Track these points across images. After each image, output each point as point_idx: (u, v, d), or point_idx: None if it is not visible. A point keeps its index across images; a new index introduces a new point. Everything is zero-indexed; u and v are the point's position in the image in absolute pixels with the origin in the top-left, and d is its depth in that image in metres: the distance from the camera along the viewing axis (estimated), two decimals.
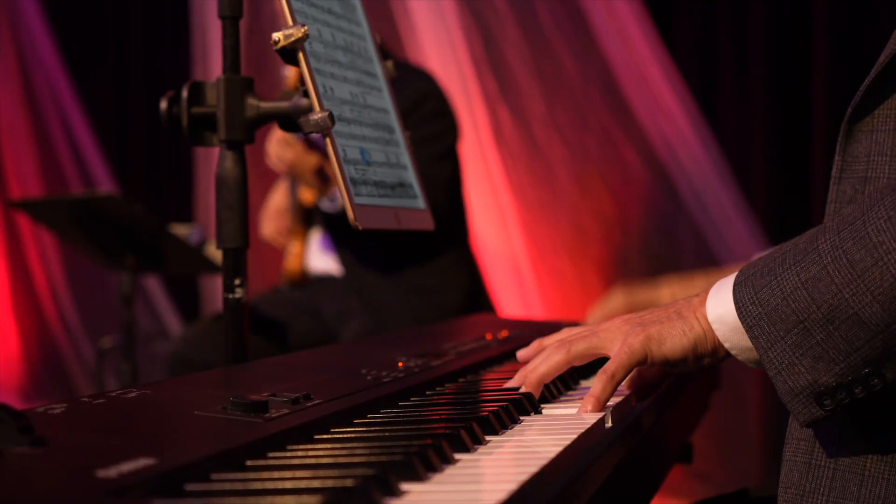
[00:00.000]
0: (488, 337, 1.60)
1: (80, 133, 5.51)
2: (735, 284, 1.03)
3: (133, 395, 0.94)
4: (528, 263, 4.24)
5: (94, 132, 5.51)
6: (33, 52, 5.58)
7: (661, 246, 4.00)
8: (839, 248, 0.96)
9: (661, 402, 1.16)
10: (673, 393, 1.25)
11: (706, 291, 1.09)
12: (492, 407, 1.01)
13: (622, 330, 1.12)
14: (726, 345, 1.06)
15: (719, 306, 1.05)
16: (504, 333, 1.65)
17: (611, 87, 4.04)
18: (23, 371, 5.66)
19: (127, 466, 0.69)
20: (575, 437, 0.91)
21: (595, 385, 1.07)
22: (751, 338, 1.01)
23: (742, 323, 1.01)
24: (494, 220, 4.29)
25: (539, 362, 1.14)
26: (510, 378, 1.16)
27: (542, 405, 1.12)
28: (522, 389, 1.11)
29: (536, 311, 4.10)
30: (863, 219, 0.95)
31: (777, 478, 1.09)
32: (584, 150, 4.15)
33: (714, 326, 1.06)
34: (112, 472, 0.67)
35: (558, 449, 0.85)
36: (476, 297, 3.23)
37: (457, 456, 0.85)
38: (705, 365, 1.10)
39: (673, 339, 1.08)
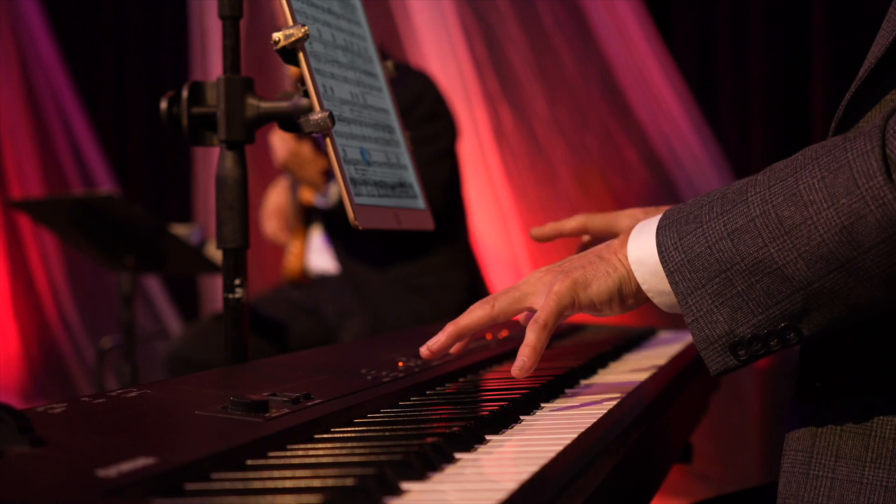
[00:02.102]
0: (488, 337, 1.60)
1: (80, 133, 5.51)
2: (658, 228, 1.03)
3: (133, 394, 0.94)
4: (529, 263, 4.24)
5: (94, 132, 5.52)
6: (33, 52, 5.58)
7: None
8: (769, 202, 0.96)
9: (661, 403, 1.16)
10: (673, 393, 1.25)
11: (627, 233, 1.08)
12: (492, 406, 1.01)
13: (544, 280, 1.10)
14: (644, 286, 1.06)
15: (640, 248, 1.05)
16: (504, 333, 1.65)
17: (611, 87, 4.04)
18: (23, 371, 5.66)
19: (127, 466, 0.69)
20: (575, 436, 0.91)
21: (528, 335, 1.06)
22: (671, 283, 1.01)
23: (663, 268, 1.02)
24: (495, 220, 4.29)
25: (461, 316, 1.13)
26: (511, 378, 1.16)
27: (543, 404, 1.12)
28: (436, 340, 1.12)
29: (524, 279, 4.09)
30: (795, 176, 0.95)
31: (776, 478, 1.09)
32: (585, 149, 4.15)
33: (634, 268, 1.06)
34: (112, 471, 0.67)
35: (558, 448, 0.85)
36: (476, 296, 3.22)
37: (457, 455, 0.85)
38: (629, 307, 1.09)
39: (598, 282, 1.07)
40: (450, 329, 1.13)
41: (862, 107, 1.06)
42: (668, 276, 1.01)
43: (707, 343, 0.99)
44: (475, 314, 1.12)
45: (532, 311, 1.11)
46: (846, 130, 1.06)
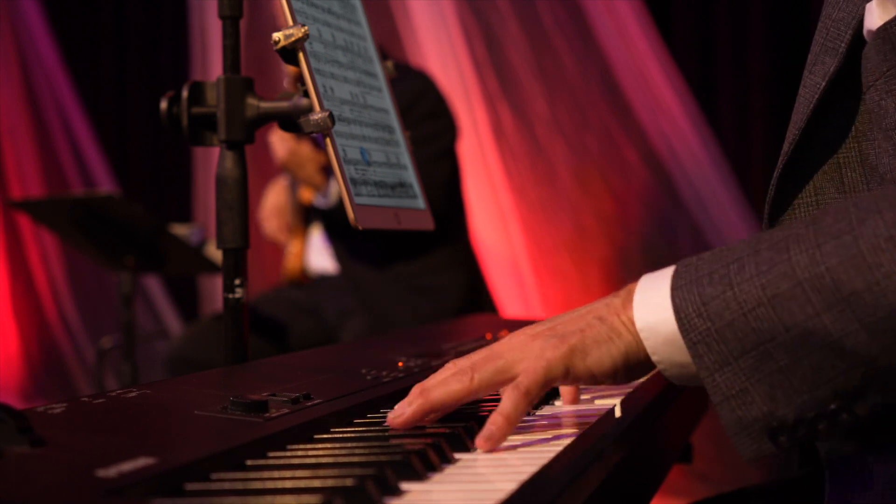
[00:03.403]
0: (488, 337, 1.60)
1: (80, 133, 5.52)
2: (673, 289, 0.88)
3: (133, 394, 0.94)
4: (529, 263, 4.24)
5: (94, 132, 5.52)
6: (33, 52, 5.58)
7: (661, 245, 4.00)
8: (820, 263, 0.82)
9: (661, 402, 1.16)
10: (672, 393, 1.25)
11: (628, 292, 0.93)
12: (492, 406, 1.01)
13: (531, 347, 0.92)
14: (654, 357, 0.90)
15: (651, 314, 0.89)
16: (504, 333, 1.65)
17: (611, 87, 4.04)
18: (23, 371, 5.67)
19: (127, 466, 0.69)
20: (575, 436, 0.91)
21: (504, 402, 0.89)
22: (693, 356, 0.86)
23: (684, 338, 0.86)
24: (495, 220, 4.29)
25: (434, 383, 0.93)
26: None
27: (543, 405, 1.11)
28: (401, 413, 0.91)
29: (537, 310, 4.11)
30: (853, 234, 0.82)
31: (776, 477, 1.08)
32: (585, 149, 4.15)
33: (643, 336, 0.90)
34: (112, 471, 0.67)
35: (558, 448, 0.85)
36: (475, 296, 3.23)
37: (457, 455, 0.85)
38: (635, 377, 0.95)
39: (600, 350, 0.91)
40: (419, 402, 0.92)
41: (790, 185, 0.98)
42: (689, 347, 0.86)
43: (740, 427, 0.85)
44: (451, 388, 0.92)
45: None
46: (781, 209, 0.98)
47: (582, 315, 0.94)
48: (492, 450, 0.87)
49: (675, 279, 0.89)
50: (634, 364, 0.92)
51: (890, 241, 0.80)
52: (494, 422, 0.87)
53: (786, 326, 0.83)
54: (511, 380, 0.92)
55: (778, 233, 0.87)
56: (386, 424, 0.94)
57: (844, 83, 0.97)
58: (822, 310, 0.82)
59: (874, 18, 0.93)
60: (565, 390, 1.10)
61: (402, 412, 0.92)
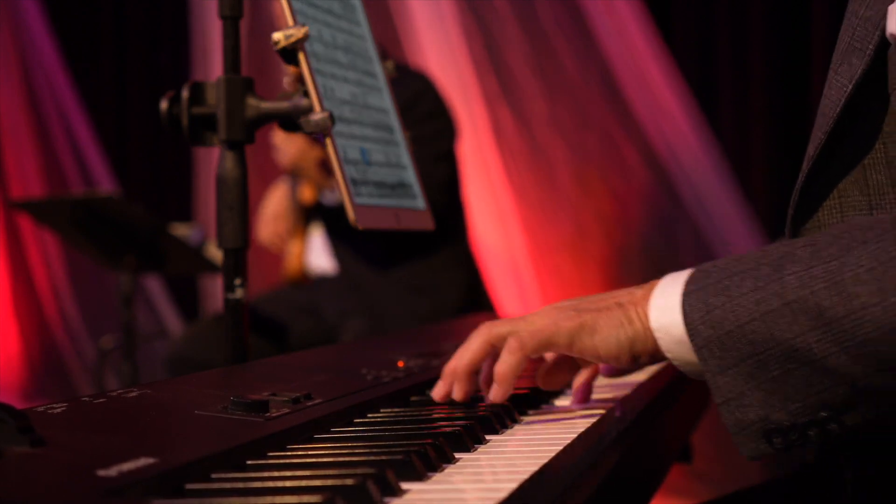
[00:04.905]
0: None
1: (80, 133, 5.51)
2: (684, 294, 0.94)
3: (133, 394, 0.94)
4: (529, 263, 4.24)
5: (94, 132, 5.52)
6: (33, 52, 5.58)
7: (661, 246, 4.00)
8: (808, 287, 0.86)
9: (661, 402, 1.16)
10: (672, 393, 1.25)
11: (650, 286, 0.99)
12: (492, 406, 1.01)
13: (550, 314, 1.00)
14: (669, 355, 0.97)
15: (664, 315, 0.96)
16: None
17: (611, 87, 4.04)
18: (23, 371, 5.66)
19: (127, 466, 0.69)
20: (575, 436, 0.91)
21: (501, 354, 0.99)
22: (700, 359, 0.92)
23: (691, 342, 0.93)
24: (495, 220, 4.29)
25: (501, 364, 1.00)
26: None
27: (543, 405, 1.12)
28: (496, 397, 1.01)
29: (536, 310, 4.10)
30: (840, 260, 0.86)
31: (776, 478, 1.08)
32: (585, 149, 4.15)
33: (657, 335, 0.96)
34: (112, 471, 0.67)
35: (558, 448, 0.85)
36: (475, 296, 3.23)
37: (457, 455, 0.85)
38: (641, 365, 1.01)
39: (608, 331, 0.97)
40: (501, 386, 1.01)
41: (815, 188, 1.00)
42: (696, 351, 0.92)
43: (739, 428, 0.91)
44: (509, 362, 1.00)
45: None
46: (807, 214, 1.01)
47: (604, 298, 1.01)
48: (496, 397, 0.99)
49: (687, 285, 0.95)
50: (641, 352, 0.98)
51: (870, 273, 0.84)
52: (494, 372, 0.99)
53: (776, 341, 0.88)
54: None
55: (781, 248, 0.92)
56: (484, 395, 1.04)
57: (871, 84, 0.97)
58: (807, 330, 0.86)
59: (894, 22, 0.93)
60: (577, 384, 1.15)
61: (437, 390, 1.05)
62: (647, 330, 0.97)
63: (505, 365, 0.99)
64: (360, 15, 1.49)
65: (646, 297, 0.98)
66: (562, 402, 1.16)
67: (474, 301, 3.20)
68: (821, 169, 1.00)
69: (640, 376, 1.29)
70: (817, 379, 0.87)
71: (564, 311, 1.00)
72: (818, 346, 0.86)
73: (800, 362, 0.87)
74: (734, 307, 0.90)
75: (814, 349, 0.86)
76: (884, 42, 0.95)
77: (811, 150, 1.01)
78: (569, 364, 1.10)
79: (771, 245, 0.95)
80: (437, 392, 1.05)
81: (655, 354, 0.98)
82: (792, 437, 0.89)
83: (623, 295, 1.00)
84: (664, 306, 0.96)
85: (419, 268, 3.14)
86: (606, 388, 1.23)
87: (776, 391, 0.89)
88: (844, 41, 1.00)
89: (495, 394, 1.00)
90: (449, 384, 1.04)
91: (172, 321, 5.27)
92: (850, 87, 0.97)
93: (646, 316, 0.97)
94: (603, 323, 0.98)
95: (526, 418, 1.04)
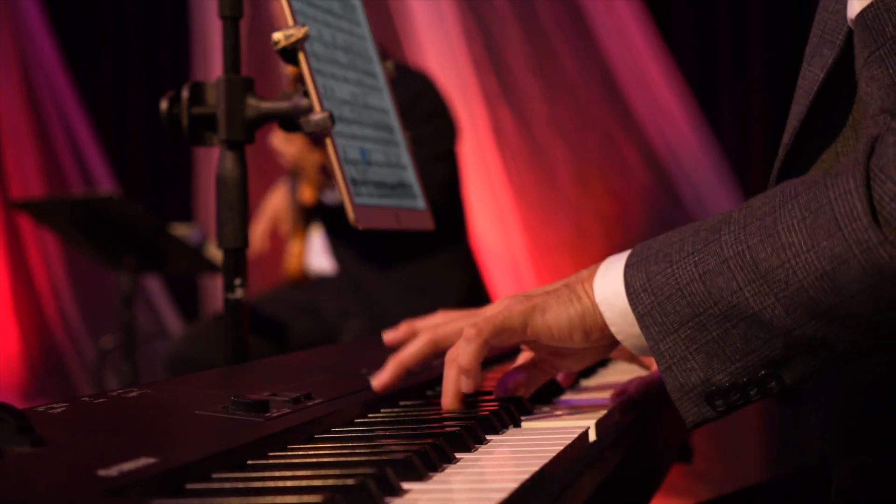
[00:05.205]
0: None
1: (80, 133, 5.51)
2: (626, 266, 0.96)
3: (134, 394, 0.94)
4: (529, 263, 4.24)
5: (94, 132, 5.52)
6: (33, 52, 5.58)
7: None
8: (743, 242, 0.89)
9: (660, 402, 1.16)
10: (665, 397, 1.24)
11: (596, 265, 1.01)
12: (492, 406, 1.01)
13: (502, 302, 1.02)
14: (612, 329, 0.98)
15: (607, 288, 0.97)
16: None
17: (611, 87, 4.04)
18: (23, 370, 5.66)
19: (127, 466, 0.69)
20: (575, 436, 0.91)
21: (459, 344, 0.99)
22: (641, 327, 0.94)
23: (633, 311, 0.94)
24: (495, 220, 4.29)
25: (457, 352, 1.00)
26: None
27: (543, 405, 1.12)
28: (387, 374, 1.04)
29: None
30: (773, 215, 0.89)
31: (777, 478, 1.08)
32: (585, 149, 4.15)
33: (601, 309, 0.98)
34: (113, 471, 0.67)
35: (559, 448, 0.85)
36: (475, 296, 3.23)
37: (457, 455, 0.85)
38: (594, 342, 1.00)
39: (557, 309, 0.98)
40: (455, 372, 1.01)
41: (790, 176, 0.99)
42: (637, 319, 0.94)
43: (682, 392, 0.93)
44: (469, 351, 1.00)
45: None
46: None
47: (554, 284, 1.03)
48: (468, 388, 0.99)
49: (630, 258, 0.97)
50: (591, 328, 0.99)
51: (801, 223, 0.86)
52: (450, 367, 1.00)
53: (714, 300, 0.90)
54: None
55: (717, 216, 0.94)
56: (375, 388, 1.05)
57: (841, 74, 0.99)
58: (743, 285, 0.88)
59: (854, 6, 0.95)
60: (562, 375, 1.19)
61: (378, 378, 1.05)
62: (595, 305, 0.98)
63: (466, 355, 0.99)
64: (360, 15, 1.49)
65: (591, 275, 1.00)
66: (559, 403, 1.16)
67: (474, 301, 3.20)
68: (796, 158, 1.02)
69: (640, 372, 1.29)
70: (755, 334, 0.89)
71: (516, 298, 1.02)
72: (754, 299, 0.88)
73: (738, 319, 0.89)
74: (674, 272, 0.92)
75: (751, 303, 0.88)
76: (852, 33, 0.97)
77: (786, 138, 1.03)
78: (541, 368, 1.10)
79: (706, 218, 0.97)
80: (380, 382, 1.05)
81: (605, 330, 0.99)
82: (733, 397, 0.91)
83: (571, 278, 1.02)
84: (608, 280, 0.97)
85: (419, 268, 3.14)
86: (607, 388, 1.23)
87: (717, 353, 0.91)
88: (816, 35, 1.02)
89: (466, 385, 1.00)
90: (396, 375, 1.05)
91: (172, 321, 5.27)
92: (822, 75, 0.99)
93: (592, 292, 0.98)
94: (552, 302, 0.99)
95: (526, 419, 1.04)
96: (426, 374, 1.23)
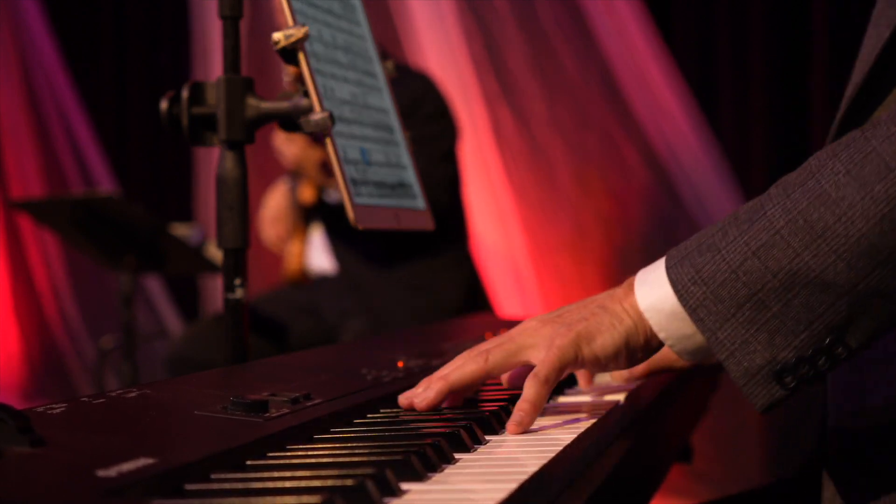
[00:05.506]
0: (488, 336, 1.60)
1: (80, 133, 5.51)
2: (668, 268, 0.95)
3: (133, 394, 0.94)
4: (529, 263, 4.24)
5: (94, 132, 5.52)
6: (33, 52, 5.58)
7: (661, 246, 4.00)
8: (792, 210, 0.89)
9: (661, 402, 1.16)
10: (672, 393, 1.25)
11: (629, 282, 0.99)
12: (491, 407, 1.01)
13: (542, 333, 0.99)
14: (661, 335, 0.96)
15: (651, 293, 0.95)
16: (503, 333, 1.65)
17: (611, 87, 4.04)
18: (23, 371, 5.66)
19: (127, 466, 0.69)
20: (574, 437, 0.91)
21: (527, 390, 0.95)
22: (695, 321, 0.92)
23: (683, 306, 0.93)
24: (494, 220, 4.29)
25: (451, 369, 1.00)
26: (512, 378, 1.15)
27: (543, 405, 1.11)
28: (424, 397, 0.99)
29: (536, 310, 4.11)
30: (815, 177, 0.89)
31: (777, 479, 1.08)
32: (585, 149, 4.15)
33: (647, 315, 0.96)
34: (112, 471, 0.67)
35: (558, 449, 0.85)
36: (475, 296, 3.23)
37: (457, 455, 0.85)
38: (637, 361, 1.00)
39: (603, 336, 0.97)
40: (439, 385, 0.99)
41: (860, 117, 1.02)
42: (690, 313, 0.92)
43: (748, 377, 0.91)
44: (467, 369, 0.99)
45: (528, 366, 1.00)
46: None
47: (586, 305, 1.00)
48: (522, 433, 0.94)
49: (668, 260, 0.96)
50: (635, 347, 0.98)
51: (848, 175, 0.87)
52: (522, 408, 0.94)
53: (772, 273, 0.89)
54: (521, 362, 1.00)
55: (751, 202, 0.94)
56: (403, 406, 1.00)
57: None
58: (801, 249, 0.88)
59: None
60: (581, 373, 1.19)
61: (423, 398, 0.99)
62: (638, 322, 0.97)
63: (538, 399, 0.95)
64: (360, 15, 1.49)
65: (628, 291, 0.98)
66: (560, 402, 1.16)
67: (474, 301, 3.21)
68: (857, 110, 1.03)
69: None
70: (817, 300, 0.88)
71: (554, 327, 0.99)
72: (815, 261, 0.88)
73: (799, 286, 0.88)
74: (724, 257, 0.91)
75: (811, 265, 0.88)
76: None
77: (849, 91, 1.04)
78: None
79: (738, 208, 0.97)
80: (425, 402, 0.99)
81: (648, 344, 0.98)
82: (802, 370, 0.90)
83: (603, 298, 1.00)
84: (649, 287, 0.96)
85: (419, 268, 3.14)
86: (607, 389, 1.23)
87: (779, 328, 0.89)
88: (882, 3, 1.04)
89: (525, 425, 0.95)
90: (441, 398, 1.00)
91: (172, 321, 5.27)
92: (889, 32, 1.00)
93: (632, 307, 0.97)
94: (594, 329, 0.97)
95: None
96: (426, 374, 1.22)
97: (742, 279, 0.90)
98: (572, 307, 1.02)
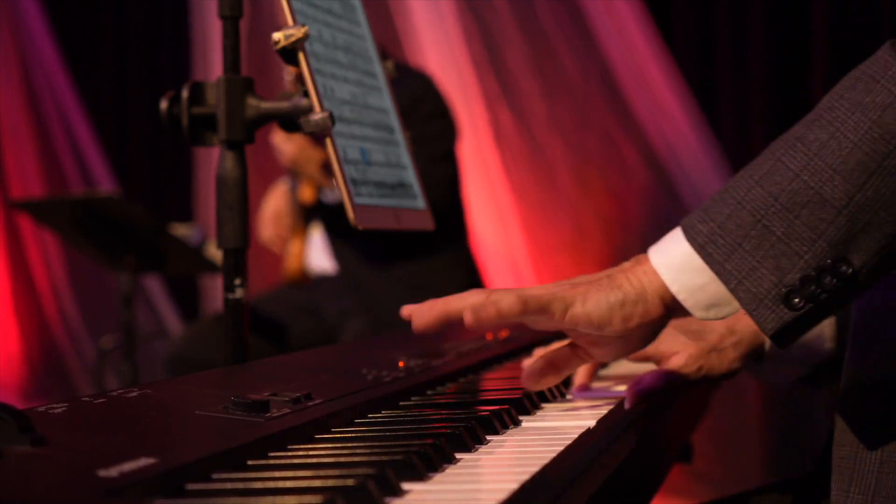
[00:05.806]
0: (488, 337, 1.60)
1: (80, 133, 5.51)
2: (681, 225, 0.99)
3: (134, 394, 0.94)
4: (529, 263, 4.24)
5: (94, 132, 5.52)
6: (33, 52, 5.58)
7: None
8: (791, 139, 0.94)
9: (661, 402, 1.16)
10: (672, 392, 1.25)
11: (638, 256, 1.02)
12: (492, 406, 1.01)
13: (547, 286, 1.02)
14: (673, 288, 0.98)
15: (664, 252, 0.99)
16: (504, 333, 1.65)
17: (611, 87, 4.04)
18: (23, 370, 5.66)
19: (128, 466, 0.69)
20: (575, 436, 0.91)
21: (493, 292, 0.98)
22: (703, 257, 0.95)
23: (692, 244, 0.96)
24: (494, 220, 4.29)
25: (454, 298, 1.00)
26: (511, 378, 1.15)
27: (544, 404, 1.12)
28: (420, 317, 0.99)
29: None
30: (812, 114, 0.95)
31: (777, 479, 1.08)
32: (585, 149, 4.15)
33: (660, 272, 0.98)
34: (113, 471, 0.67)
35: (559, 448, 0.85)
36: None
37: (457, 455, 0.85)
38: (631, 330, 1.00)
39: (598, 296, 0.99)
40: (439, 308, 0.99)
41: None
42: (698, 251, 0.95)
43: (756, 301, 0.93)
44: (469, 299, 0.98)
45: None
46: None
47: (594, 274, 1.04)
48: (473, 322, 0.96)
49: (683, 221, 0.99)
50: (631, 314, 0.99)
51: (841, 99, 0.93)
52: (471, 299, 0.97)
53: (774, 196, 0.93)
54: (519, 297, 0.99)
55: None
56: (404, 316, 1.01)
57: None
58: (799, 170, 0.93)
59: None
60: (581, 370, 1.20)
61: (420, 315, 0.99)
62: (639, 290, 0.99)
63: (506, 302, 0.96)
64: (360, 15, 1.49)
65: (635, 263, 1.01)
66: (562, 403, 1.16)
67: None
68: None
69: (652, 366, 1.29)
70: (818, 217, 0.91)
71: (560, 285, 1.02)
72: (813, 178, 0.92)
73: (801, 206, 0.92)
74: (730, 192, 0.96)
75: (810, 183, 0.92)
76: None
77: None
78: (555, 365, 1.10)
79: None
80: (425, 320, 1.00)
81: (646, 315, 0.99)
82: (809, 288, 0.91)
83: (611, 269, 1.03)
84: (663, 243, 1.00)
85: (419, 268, 3.14)
86: (606, 389, 1.23)
87: (784, 252, 0.92)
88: None
89: (476, 319, 0.96)
90: (442, 319, 0.99)
91: (172, 321, 5.26)
92: None
93: (636, 277, 0.99)
94: (593, 291, 1.00)
95: (526, 419, 1.04)
96: (426, 374, 1.23)
97: (747, 208, 0.94)
98: (582, 277, 1.04)
